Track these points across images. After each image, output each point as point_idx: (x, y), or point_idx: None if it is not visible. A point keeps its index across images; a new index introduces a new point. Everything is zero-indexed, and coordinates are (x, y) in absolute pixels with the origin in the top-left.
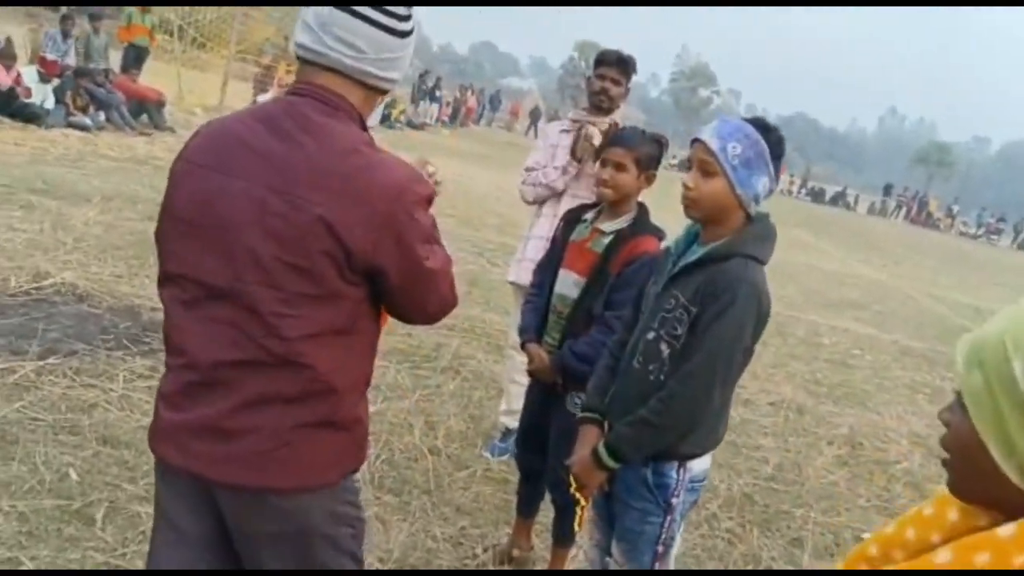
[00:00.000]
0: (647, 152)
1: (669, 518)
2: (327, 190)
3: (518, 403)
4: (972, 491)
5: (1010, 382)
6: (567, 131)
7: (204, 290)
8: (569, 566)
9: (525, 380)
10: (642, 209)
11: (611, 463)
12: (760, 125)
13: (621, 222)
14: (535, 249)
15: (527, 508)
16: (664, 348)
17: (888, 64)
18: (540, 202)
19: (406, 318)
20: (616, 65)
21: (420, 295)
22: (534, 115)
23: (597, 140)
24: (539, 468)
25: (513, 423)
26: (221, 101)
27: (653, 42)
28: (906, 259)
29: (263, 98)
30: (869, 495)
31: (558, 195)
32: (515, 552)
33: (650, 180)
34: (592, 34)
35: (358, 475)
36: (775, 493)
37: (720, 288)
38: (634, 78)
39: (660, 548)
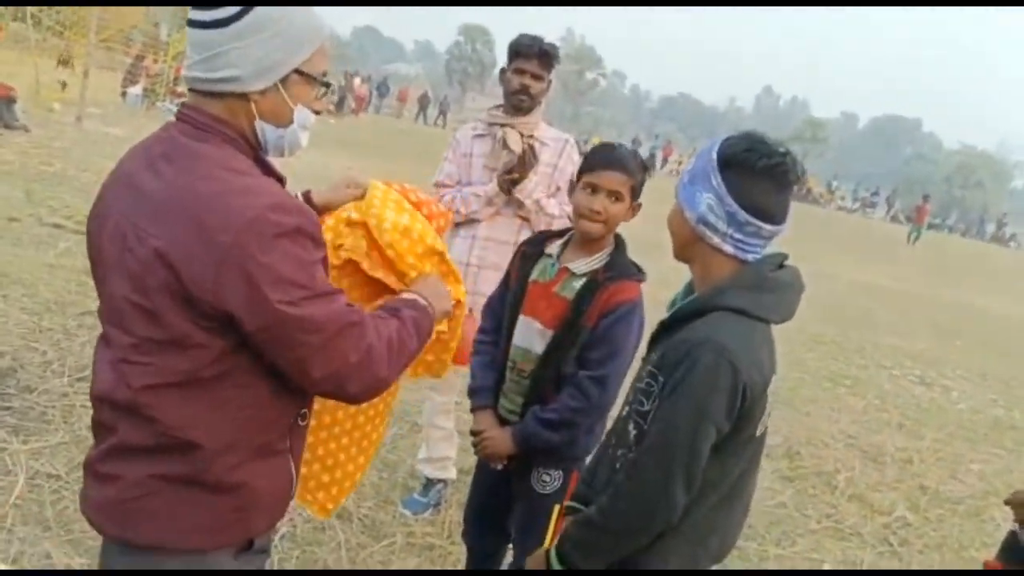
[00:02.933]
0: (642, 179)
1: None
2: (166, 221)
3: (439, 451)
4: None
5: None
6: (482, 135)
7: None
8: None
9: (448, 424)
10: (619, 243)
11: (558, 567)
12: (738, 135)
13: (596, 261)
14: None
15: None
16: (631, 428)
17: (763, 44)
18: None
19: (302, 385)
20: (537, 58)
21: (292, 352)
22: (423, 101)
23: (517, 148)
24: (495, 549)
25: (434, 472)
26: (82, 95)
27: (538, 25)
28: (794, 237)
29: (133, 91)
30: (818, 515)
31: None
32: None
33: (636, 212)
34: (477, 17)
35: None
36: None
37: (681, 352)
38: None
39: None
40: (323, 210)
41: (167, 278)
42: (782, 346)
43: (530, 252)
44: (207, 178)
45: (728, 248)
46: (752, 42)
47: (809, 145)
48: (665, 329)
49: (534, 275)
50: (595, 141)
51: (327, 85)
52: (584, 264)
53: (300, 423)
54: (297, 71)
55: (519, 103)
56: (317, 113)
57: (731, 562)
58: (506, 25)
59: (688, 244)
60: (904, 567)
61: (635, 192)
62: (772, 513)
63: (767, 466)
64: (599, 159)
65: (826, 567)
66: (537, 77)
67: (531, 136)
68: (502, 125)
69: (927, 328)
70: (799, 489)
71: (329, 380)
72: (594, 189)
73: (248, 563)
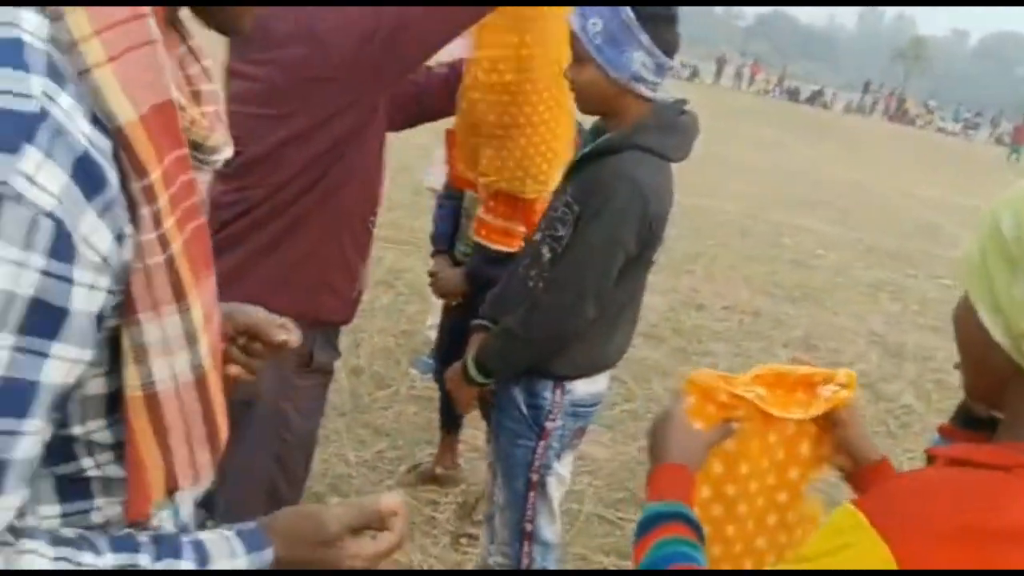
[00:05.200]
0: None
1: (543, 443)
2: None
3: None
4: (979, 384)
5: (997, 235)
6: None
7: None
8: None
9: None
10: None
11: (478, 377)
12: None
13: None
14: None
15: (451, 424)
16: (546, 251)
17: None
18: None
19: None
20: None
21: None
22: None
23: None
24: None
25: None
26: None
27: None
28: (881, 157)
29: None
30: None
31: None
32: (439, 471)
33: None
34: None
35: None
36: None
37: (598, 184)
38: None
39: (534, 476)
40: None
41: None
42: (831, 253)
43: None
44: None
45: (649, 93)
46: None
47: (912, 64)
48: (580, 164)
49: None
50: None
51: None
52: None
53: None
54: None
55: None
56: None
57: None
58: None
59: (609, 99)
60: (897, 446)
61: None
62: None
63: (780, 354)
64: None
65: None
66: None
67: None
68: None
69: None
70: None
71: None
72: None
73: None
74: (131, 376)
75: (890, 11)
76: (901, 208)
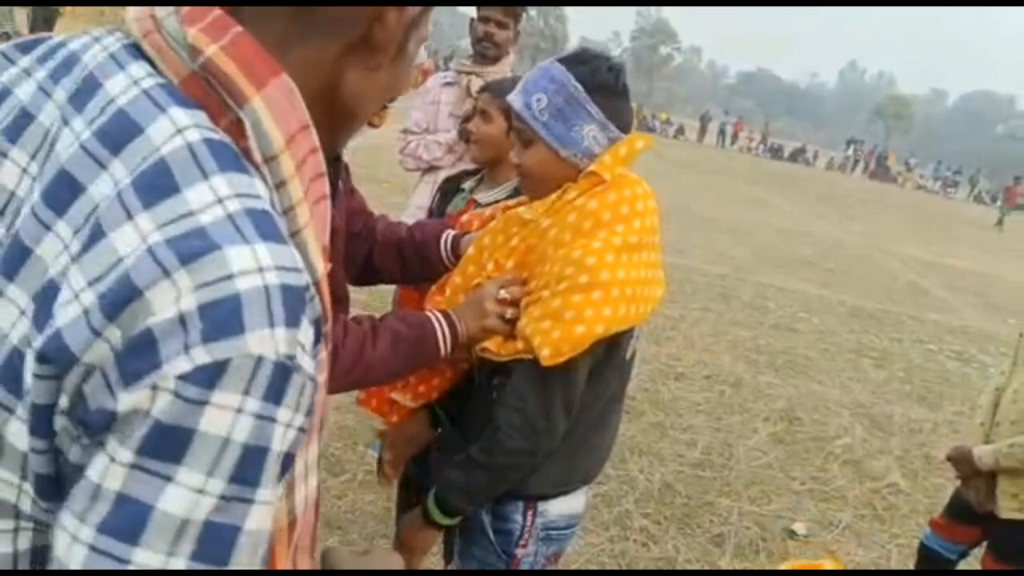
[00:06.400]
0: None
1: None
2: None
3: None
4: None
5: None
6: (450, 84)
7: None
8: None
9: None
10: None
11: (443, 520)
12: (572, 59)
13: (500, 191)
14: (412, 220)
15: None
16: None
17: (848, 16)
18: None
19: None
20: (501, 5)
21: None
22: None
23: None
24: (419, 475)
25: None
26: None
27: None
28: (861, 214)
29: None
30: (804, 477)
31: None
32: None
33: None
34: None
35: None
36: (700, 481)
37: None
38: (592, 35)
39: None
40: None
41: None
42: (814, 317)
43: (447, 188)
44: None
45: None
46: (836, 15)
47: (892, 122)
48: None
49: (448, 209)
50: (663, 117)
51: (384, 106)
52: (490, 194)
53: None
54: None
55: (484, 51)
56: (375, 126)
57: (699, 516)
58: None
59: (561, 181)
60: (885, 531)
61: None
62: (755, 473)
63: (761, 428)
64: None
65: (796, 527)
66: (502, 25)
67: None
68: (468, 73)
69: (979, 306)
70: (790, 452)
71: None
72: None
73: None
74: (279, 509)
75: (871, 69)
76: (884, 268)
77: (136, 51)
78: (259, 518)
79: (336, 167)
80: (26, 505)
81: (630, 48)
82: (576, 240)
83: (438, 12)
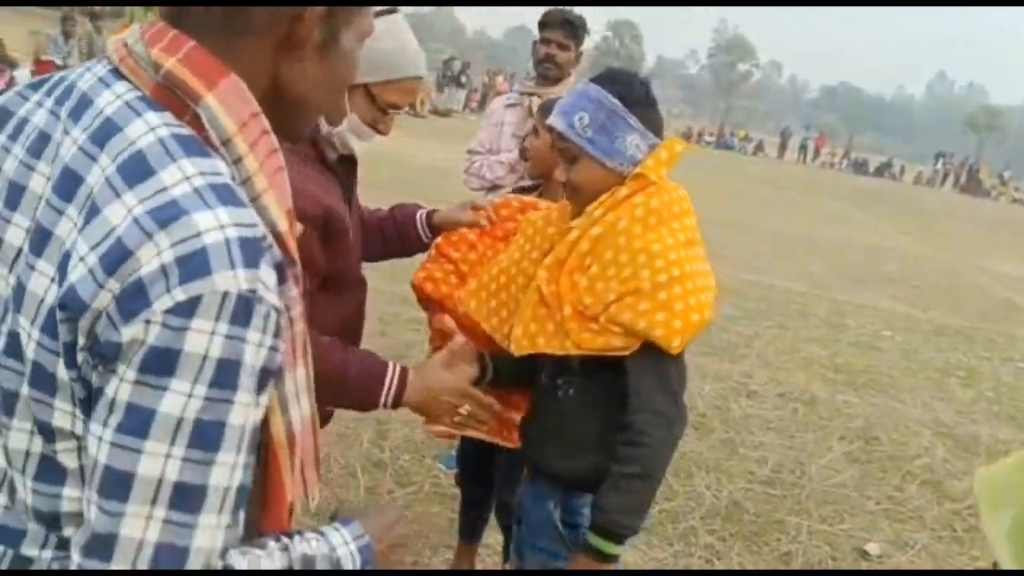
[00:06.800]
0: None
1: None
2: None
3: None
4: None
5: None
6: (513, 105)
7: None
8: None
9: None
10: None
11: (614, 550)
12: (605, 79)
13: None
14: None
15: (470, 532)
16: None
17: (936, 27)
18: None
19: None
20: (561, 27)
21: None
22: None
23: None
24: (483, 496)
25: None
26: None
27: (690, 17)
28: (951, 230)
29: None
30: (879, 497)
31: None
32: None
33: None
34: (627, 12)
35: None
36: (770, 499)
37: None
38: (669, 54)
39: None
40: (441, 228)
41: None
42: (897, 335)
43: None
44: None
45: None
46: (925, 26)
47: (984, 134)
48: None
49: None
50: (741, 135)
51: (384, 112)
52: None
53: None
54: (367, 89)
55: (546, 72)
56: (381, 132)
57: (767, 534)
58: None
59: (607, 189)
60: (964, 552)
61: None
62: (828, 492)
63: (836, 447)
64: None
65: (869, 547)
66: (563, 47)
67: None
68: (530, 94)
69: None
70: (866, 471)
71: None
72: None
73: None
74: (276, 424)
75: (960, 80)
76: (975, 285)
77: (118, 73)
78: (240, 414)
79: (352, 171)
80: (80, 428)
81: (707, 65)
82: (647, 234)
83: (514, 38)
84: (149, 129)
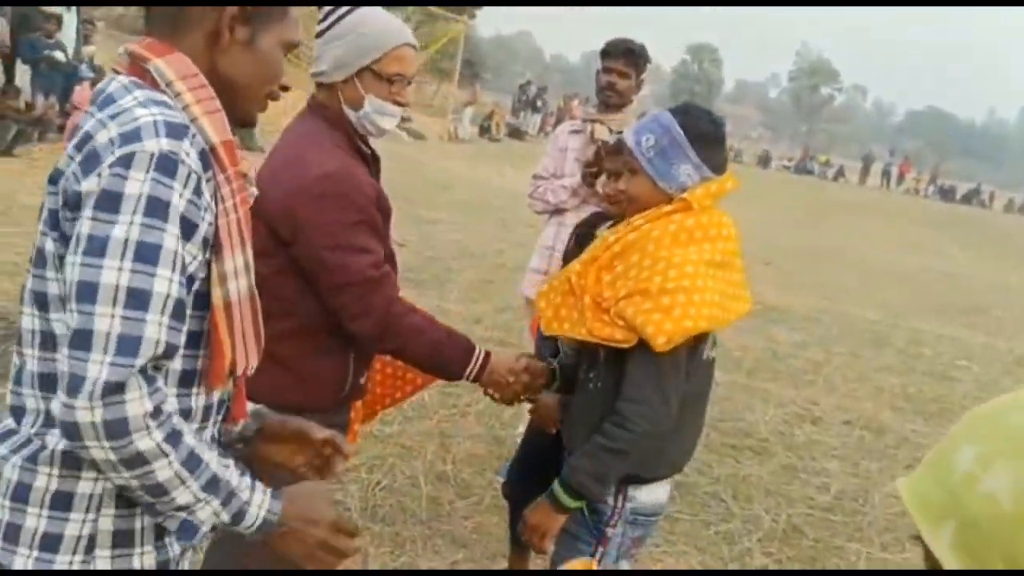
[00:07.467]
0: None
1: (601, 550)
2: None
3: None
4: None
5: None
6: (577, 132)
7: None
8: None
9: None
10: None
11: (571, 503)
12: (680, 110)
13: None
14: (540, 259)
15: (521, 540)
16: (600, 350)
17: None
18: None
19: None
20: (623, 56)
21: (319, 281)
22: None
23: (610, 139)
24: (524, 491)
25: None
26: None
27: (771, 40)
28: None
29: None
30: None
31: None
32: None
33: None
34: (706, 35)
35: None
36: (830, 525)
37: None
38: (749, 78)
39: None
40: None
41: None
42: (975, 365)
43: (583, 233)
44: (288, 146)
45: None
46: (1018, 48)
47: None
48: None
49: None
50: (822, 160)
51: (392, 82)
52: None
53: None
54: (370, 69)
55: (607, 99)
56: (401, 104)
57: (825, 559)
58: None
59: (654, 206)
60: None
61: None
62: (891, 520)
63: (902, 476)
64: (610, 148)
65: None
66: (623, 75)
67: (620, 132)
68: (593, 121)
69: None
70: None
71: (342, 311)
72: (609, 176)
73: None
74: (216, 293)
75: None
76: None
77: (115, 72)
78: (172, 241)
79: (377, 166)
80: (62, 290)
81: (788, 89)
82: (674, 247)
83: (591, 62)
84: (119, 83)
